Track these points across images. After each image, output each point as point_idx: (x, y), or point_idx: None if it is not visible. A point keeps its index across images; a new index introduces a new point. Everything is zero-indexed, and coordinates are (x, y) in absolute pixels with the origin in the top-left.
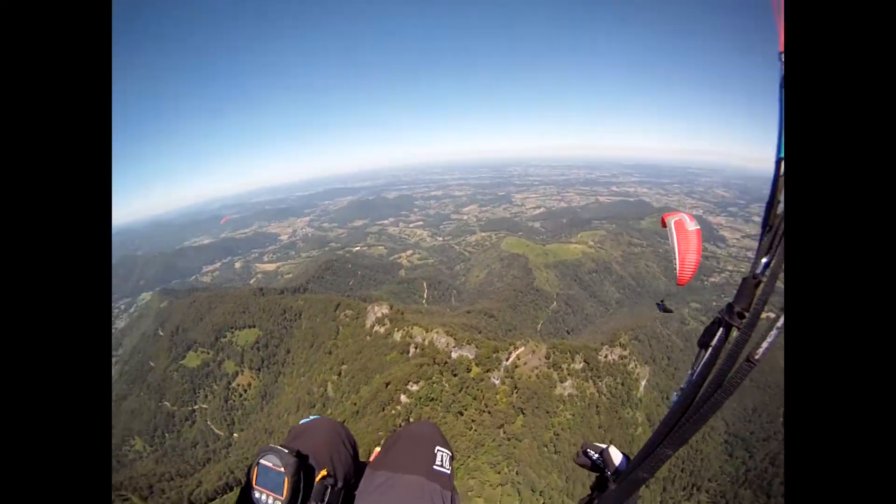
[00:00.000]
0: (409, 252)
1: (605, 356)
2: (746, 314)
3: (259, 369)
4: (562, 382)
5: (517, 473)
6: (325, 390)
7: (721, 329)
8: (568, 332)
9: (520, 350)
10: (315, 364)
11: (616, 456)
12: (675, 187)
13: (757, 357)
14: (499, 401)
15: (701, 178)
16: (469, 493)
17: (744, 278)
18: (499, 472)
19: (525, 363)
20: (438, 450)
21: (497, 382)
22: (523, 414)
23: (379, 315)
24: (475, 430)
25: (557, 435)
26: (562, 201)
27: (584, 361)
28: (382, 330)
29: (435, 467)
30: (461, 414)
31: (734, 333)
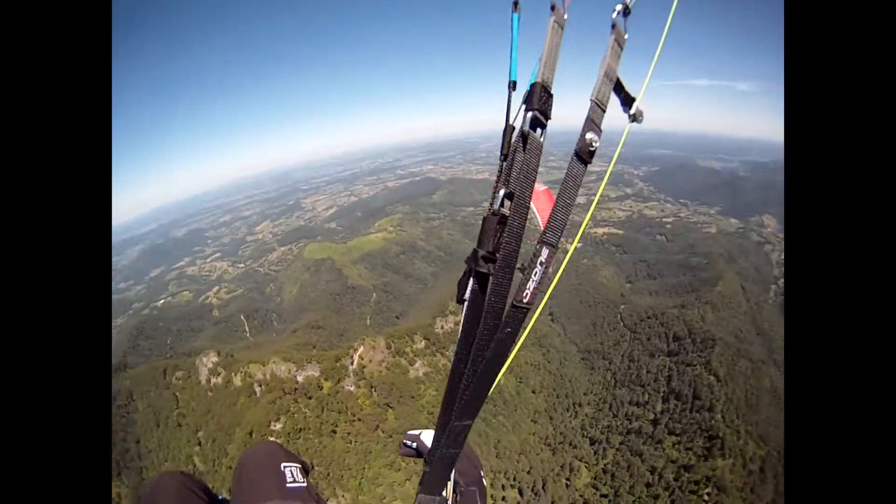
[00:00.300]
0: (216, 289)
1: (442, 327)
2: (497, 256)
3: (119, 474)
4: (412, 365)
5: (415, 463)
6: (194, 465)
7: (473, 279)
8: (398, 318)
9: (360, 350)
10: (171, 443)
11: (429, 439)
12: (457, 158)
13: (526, 299)
14: (363, 405)
15: (481, 146)
16: (384, 501)
17: (484, 218)
18: (398, 470)
19: (370, 360)
20: (285, 466)
21: (353, 389)
22: (391, 408)
23: (210, 366)
24: (356, 442)
25: (431, 413)
26: (352, 196)
27: (425, 339)
28: (220, 380)
29: (288, 486)
30: (334, 432)
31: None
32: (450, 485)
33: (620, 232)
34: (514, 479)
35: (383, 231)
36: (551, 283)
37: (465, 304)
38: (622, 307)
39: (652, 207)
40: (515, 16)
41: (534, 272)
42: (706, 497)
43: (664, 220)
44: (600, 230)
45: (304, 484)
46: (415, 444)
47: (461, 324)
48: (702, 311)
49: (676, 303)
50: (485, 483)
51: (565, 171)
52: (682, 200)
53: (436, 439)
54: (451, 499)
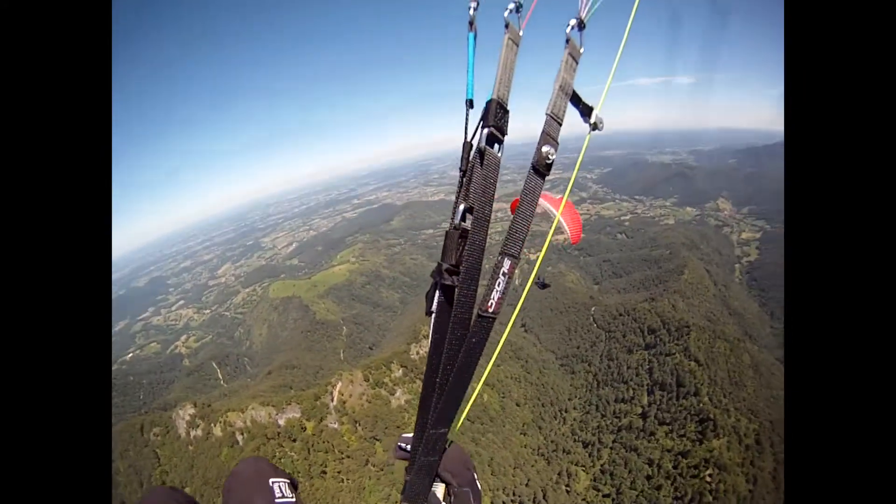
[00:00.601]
0: (185, 337)
1: (417, 352)
2: (460, 268)
3: None
4: (393, 395)
5: None
6: None
7: (438, 292)
8: (371, 349)
9: (338, 386)
10: None
11: None
12: (411, 182)
13: (491, 309)
14: (349, 442)
15: (433, 167)
16: None
17: (447, 232)
18: (395, 502)
19: (350, 395)
20: (273, 482)
21: (337, 426)
22: (378, 441)
23: (188, 418)
24: (348, 480)
25: None
26: (311, 230)
27: (402, 366)
28: (200, 432)
29: (277, 501)
30: (325, 473)
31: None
32: (442, 487)
33: (581, 235)
34: (514, 494)
35: (346, 262)
36: (520, 293)
37: (433, 315)
38: (593, 309)
39: (609, 207)
40: (471, 35)
41: (497, 283)
42: (708, 478)
43: (622, 218)
44: (561, 236)
45: (293, 499)
46: (409, 447)
47: (430, 335)
48: (672, 300)
49: (646, 296)
50: (478, 485)
51: (523, 184)
52: (637, 197)
53: (413, 449)
54: (444, 501)
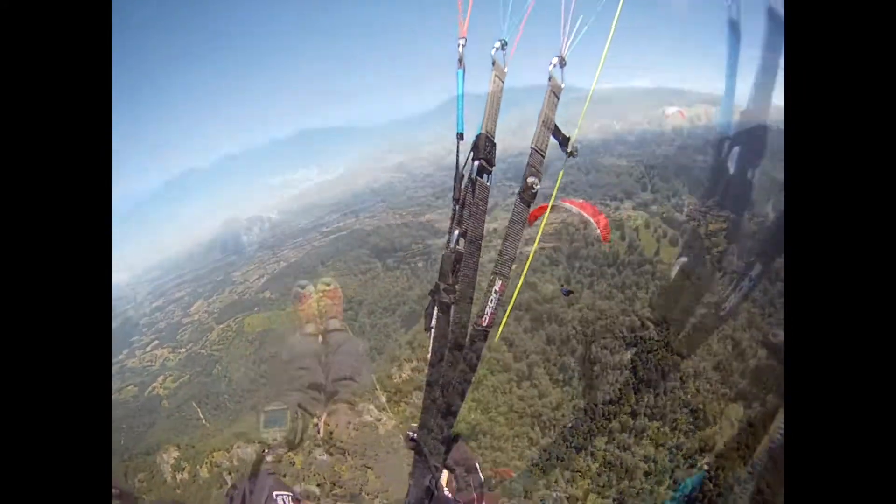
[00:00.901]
0: (162, 378)
1: (399, 376)
2: (456, 287)
3: None
4: (379, 420)
5: None
6: None
7: (436, 309)
8: (352, 377)
9: (324, 417)
10: None
11: None
12: (379, 206)
13: (485, 323)
14: (341, 472)
15: (398, 189)
16: None
17: (443, 254)
18: None
19: (336, 425)
20: (277, 495)
21: (326, 458)
22: (369, 468)
23: (172, 461)
24: None
25: (411, 464)
26: (281, 261)
27: (385, 391)
28: (186, 475)
29: None
30: None
31: (454, 309)
32: (446, 474)
33: (552, 245)
34: None
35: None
36: (506, 309)
37: (432, 331)
38: (571, 315)
39: (573, 215)
40: (460, 72)
41: (489, 300)
42: (706, 466)
43: (589, 223)
44: (532, 248)
45: None
46: (415, 436)
47: (430, 348)
48: (648, 298)
49: (622, 297)
50: (480, 476)
51: (510, 213)
52: (602, 202)
53: (416, 454)
54: (448, 486)
